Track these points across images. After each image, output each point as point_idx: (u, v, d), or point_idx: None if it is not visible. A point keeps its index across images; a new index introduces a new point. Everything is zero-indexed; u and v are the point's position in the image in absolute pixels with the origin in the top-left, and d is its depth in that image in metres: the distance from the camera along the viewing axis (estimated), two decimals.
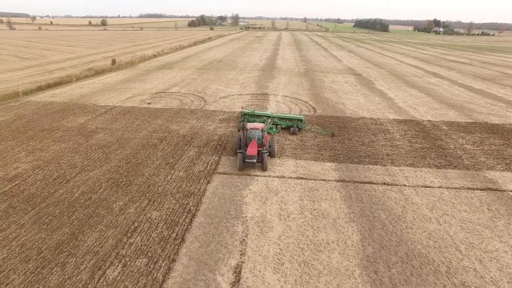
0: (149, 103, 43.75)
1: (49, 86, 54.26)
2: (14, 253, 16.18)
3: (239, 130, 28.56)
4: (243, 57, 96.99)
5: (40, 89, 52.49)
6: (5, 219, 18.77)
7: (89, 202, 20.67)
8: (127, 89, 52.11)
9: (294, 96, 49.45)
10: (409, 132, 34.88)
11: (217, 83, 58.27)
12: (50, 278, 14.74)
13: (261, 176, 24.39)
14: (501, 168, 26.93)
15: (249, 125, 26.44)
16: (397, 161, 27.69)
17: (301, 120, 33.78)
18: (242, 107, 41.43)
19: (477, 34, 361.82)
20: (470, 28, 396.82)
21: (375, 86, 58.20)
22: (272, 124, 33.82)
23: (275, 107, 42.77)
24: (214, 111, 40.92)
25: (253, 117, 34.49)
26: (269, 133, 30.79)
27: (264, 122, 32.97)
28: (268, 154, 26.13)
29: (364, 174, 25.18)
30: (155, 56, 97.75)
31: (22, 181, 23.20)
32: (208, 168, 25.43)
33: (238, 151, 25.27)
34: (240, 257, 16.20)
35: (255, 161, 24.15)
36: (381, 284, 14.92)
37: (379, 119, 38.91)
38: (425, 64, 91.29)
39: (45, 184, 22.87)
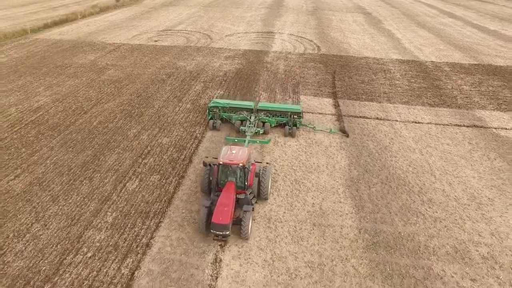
0: (156, 41, 44.37)
1: (55, 24, 54.46)
2: (50, 169, 19.01)
3: (204, 165, 16.09)
4: None
5: (47, 26, 52.82)
6: (37, 143, 21.46)
7: (107, 130, 23.10)
8: (133, 27, 52.18)
9: (300, 34, 49.23)
10: (410, 72, 35.60)
11: (223, 21, 57.59)
12: (81, 188, 17.62)
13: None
14: (492, 108, 28.23)
15: (223, 156, 15.58)
16: (393, 99, 29.09)
17: (299, 113, 23.05)
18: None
19: None
20: None
21: (383, 26, 56.94)
22: (257, 121, 22.89)
23: (280, 45, 43.12)
24: (220, 48, 41.62)
25: (227, 111, 23.51)
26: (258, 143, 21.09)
27: (243, 120, 22.90)
28: (255, 199, 16.09)
29: (360, 109, 26.86)
30: None
31: (45, 112, 25.53)
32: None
33: (204, 205, 14.77)
34: None
35: (227, 233, 14.04)
36: (360, 199, 17.48)
37: (382, 59, 39.33)
38: (441, 2, 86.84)
39: (65, 114, 25.19)
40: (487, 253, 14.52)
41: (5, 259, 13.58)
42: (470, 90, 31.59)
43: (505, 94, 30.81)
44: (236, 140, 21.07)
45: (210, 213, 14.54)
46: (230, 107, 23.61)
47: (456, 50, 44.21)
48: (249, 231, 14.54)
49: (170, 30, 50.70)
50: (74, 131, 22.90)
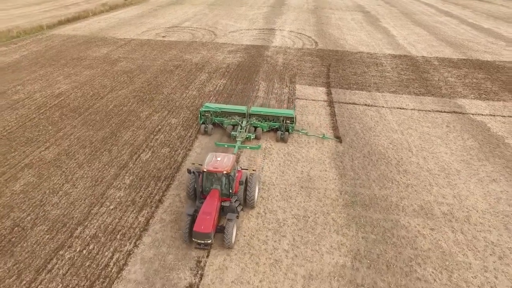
0: (163, 37, 47.29)
1: (68, 21, 57.65)
2: (74, 142, 21.92)
3: (189, 173, 15.65)
4: None
5: (61, 23, 55.99)
6: (61, 122, 24.40)
7: (122, 112, 25.95)
8: (142, 24, 55.16)
9: (299, 31, 51.91)
10: (401, 65, 38.09)
11: (227, 18, 60.45)
12: (102, 157, 20.45)
13: (261, 92, 28.99)
14: (473, 97, 30.66)
15: (208, 163, 15.37)
16: (381, 88, 31.64)
17: (291, 118, 23.01)
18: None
19: None
20: None
21: (380, 24, 59.40)
22: (250, 125, 22.62)
23: (280, 41, 45.79)
24: (224, 43, 44.44)
25: (219, 116, 23.55)
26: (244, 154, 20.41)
27: (235, 124, 22.96)
28: (241, 207, 15.95)
29: (350, 97, 29.46)
30: None
31: (66, 97, 28.45)
32: (217, 88, 30.16)
33: (187, 213, 14.70)
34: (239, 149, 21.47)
35: (209, 242, 14.03)
36: (344, 169, 20.10)
37: (375, 53, 41.86)
38: (440, 1, 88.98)
39: (84, 99, 28.09)
40: (447, 210, 17.10)
41: (45, 208, 16.47)
42: (455, 82, 34.01)
43: (487, 86, 33.21)
44: (226, 146, 21.15)
45: (193, 221, 14.29)
46: (222, 111, 23.54)
47: (447, 46, 46.56)
48: (233, 239, 14.21)
49: (176, 27, 53.60)
50: (93, 113, 25.77)
